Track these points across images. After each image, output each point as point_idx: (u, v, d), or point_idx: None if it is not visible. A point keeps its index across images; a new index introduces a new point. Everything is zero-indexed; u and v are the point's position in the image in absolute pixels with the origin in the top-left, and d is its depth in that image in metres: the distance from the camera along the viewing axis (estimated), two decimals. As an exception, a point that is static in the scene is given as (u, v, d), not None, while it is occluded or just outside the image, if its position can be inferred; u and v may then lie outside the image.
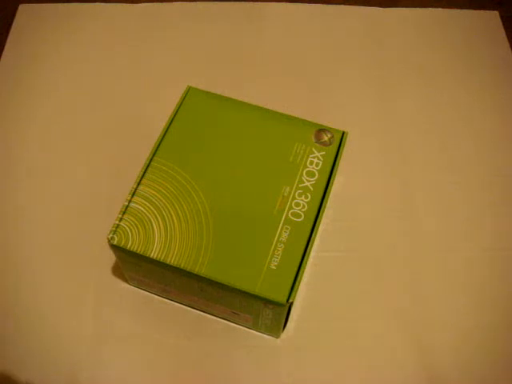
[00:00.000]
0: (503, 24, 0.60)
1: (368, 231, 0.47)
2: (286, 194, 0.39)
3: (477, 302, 0.45)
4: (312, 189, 0.39)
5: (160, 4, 0.61)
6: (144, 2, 0.61)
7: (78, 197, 0.48)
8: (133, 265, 0.40)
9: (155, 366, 0.41)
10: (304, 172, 0.40)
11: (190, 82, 0.45)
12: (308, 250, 0.37)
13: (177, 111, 0.43)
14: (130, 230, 0.38)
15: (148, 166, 0.40)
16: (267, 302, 0.36)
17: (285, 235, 0.38)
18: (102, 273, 0.45)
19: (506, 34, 0.60)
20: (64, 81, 0.55)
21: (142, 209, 0.38)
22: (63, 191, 0.49)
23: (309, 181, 0.40)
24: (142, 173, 0.40)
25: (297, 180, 0.40)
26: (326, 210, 0.39)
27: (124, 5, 0.61)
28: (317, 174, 0.40)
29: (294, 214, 0.38)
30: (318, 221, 0.38)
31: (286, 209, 0.39)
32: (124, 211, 0.38)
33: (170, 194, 0.39)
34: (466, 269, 0.46)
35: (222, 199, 0.39)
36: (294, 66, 0.57)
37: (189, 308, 0.44)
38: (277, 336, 0.43)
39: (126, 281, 0.44)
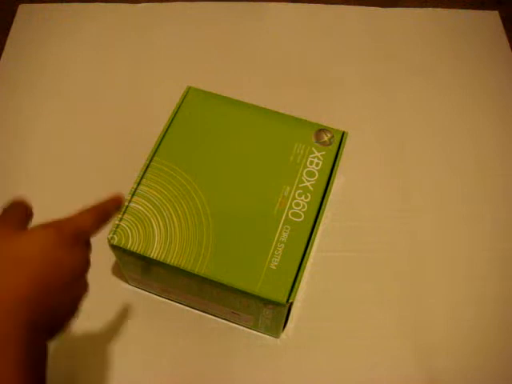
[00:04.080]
0: (503, 24, 0.60)
1: (368, 231, 0.47)
2: (286, 194, 0.39)
3: (477, 302, 0.44)
4: (312, 189, 0.39)
5: (160, 4, 0.61)
6: (144, 1, 0.61)
7: (78, 197, 0.48)
8: (133, 265, 0.40)
9: (155, 366, 0.41)
10: (304, 172, 0.40)
11: (189, 82, 0.45)
12: (308, 250, 0.37)
13: (177, 111, 0.43)
14: (130, 229, 0.38)
15: (148, 166, 0.40)
16: (267, 302, 0.36)
17: (285, 235, 0.38)
18: (102, 273, 0.45)
19: (506, 34, 0.60)
20: (64, 80, 0.55)
21: (142, 209, 0.38)
22: (63, 191, 0.49)
23: (309, 181, 0.40)
24: (142, 173, 0.40)
25: (297, 180, 0.40)
26: (325, 210, 0.39)
27: (124, 5, 0.61)
28: (317, 174, 0.40)
29: (293, 214, 0.38)
30: (317, 221, 0.38)
31: (286, 209, 0.38)
32: (124, 211, 0.38)
33: (170, 193, 0.39)
34: (466, 269, 0.46)
35: (222, 199, 0.39)
36: (294, 66, 0.57)
37: (189, 308, 0.44)
38: (277, 336, 0.43)
39: (126, 281, 0.44)
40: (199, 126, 0.42)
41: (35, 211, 0.48)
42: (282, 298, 0.35)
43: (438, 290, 0.45)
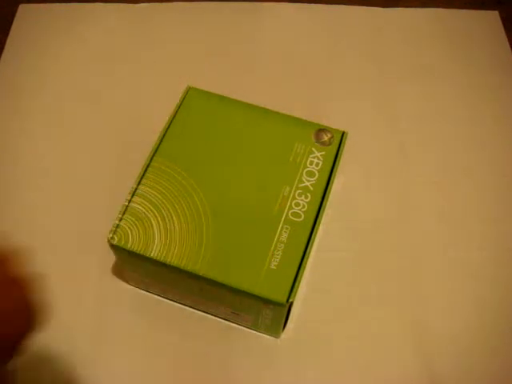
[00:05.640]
0: (503, 24, 0.60)
1: (368, 231, 0.47)
2: (285, 194, 0.39)
3: (478, 302, 0.44)
4: (312, 189, 0.39)
5: (160, 4, 0.61)
6: (144, 1, 0.61)
7: (78, 197, 0.48)
8: (133, 265, 0.40)
9: (155, 365, 0.41)
10: (304, 172, 0.40)
11: (190, 82, 0.45)
12: (308, 250, 0.37)
13: (177, 111, 0.43)
14: (130, 229, 0.38)
15: (148, 165, 0.40)
16: (267, 301, 0.36)
17: (285, 235, 0.38)
18: (102, 273, 0.45)
19: (506, 34, 0.60)
20: (64, 81, 0.55)
21: (142, 209, 0.38)
22: (63, 191, 0.49)
23: (309, 181, 0.40)
24: (142, 173, 0.40)
25: (297, 180, 0.40)
26: (325, 210, 0.39)
27: (124, 5, 0.61)
28: (317, 174, 0.40)
29: (293, 214, 0.38)
30: (317, 221, 0.38)
31: (286, 209, 0.38)
32: (124, 211, 0.38)
33: (170, 194, 0.39)
34: (467, 269, 0.46)
35: (222, 199, 0.39)
36: (293, 66, 0.57)
37: (189, 308, 0.44)
38: (277, 336, 0.43)
39: (126, 281, 0.44)
40: (199, 126, 0.42)
41: (37, 211, 0.48)
42: (282, 297, 0.35)
43: (438, 290, 0.45)
